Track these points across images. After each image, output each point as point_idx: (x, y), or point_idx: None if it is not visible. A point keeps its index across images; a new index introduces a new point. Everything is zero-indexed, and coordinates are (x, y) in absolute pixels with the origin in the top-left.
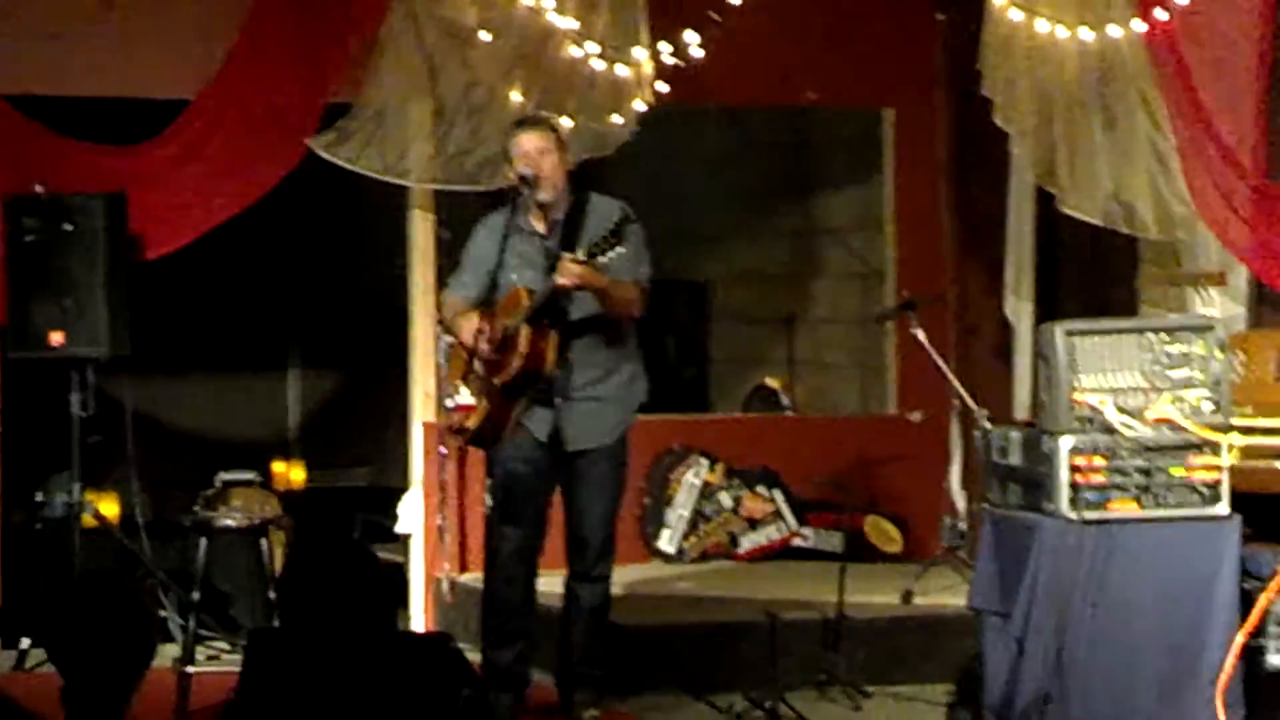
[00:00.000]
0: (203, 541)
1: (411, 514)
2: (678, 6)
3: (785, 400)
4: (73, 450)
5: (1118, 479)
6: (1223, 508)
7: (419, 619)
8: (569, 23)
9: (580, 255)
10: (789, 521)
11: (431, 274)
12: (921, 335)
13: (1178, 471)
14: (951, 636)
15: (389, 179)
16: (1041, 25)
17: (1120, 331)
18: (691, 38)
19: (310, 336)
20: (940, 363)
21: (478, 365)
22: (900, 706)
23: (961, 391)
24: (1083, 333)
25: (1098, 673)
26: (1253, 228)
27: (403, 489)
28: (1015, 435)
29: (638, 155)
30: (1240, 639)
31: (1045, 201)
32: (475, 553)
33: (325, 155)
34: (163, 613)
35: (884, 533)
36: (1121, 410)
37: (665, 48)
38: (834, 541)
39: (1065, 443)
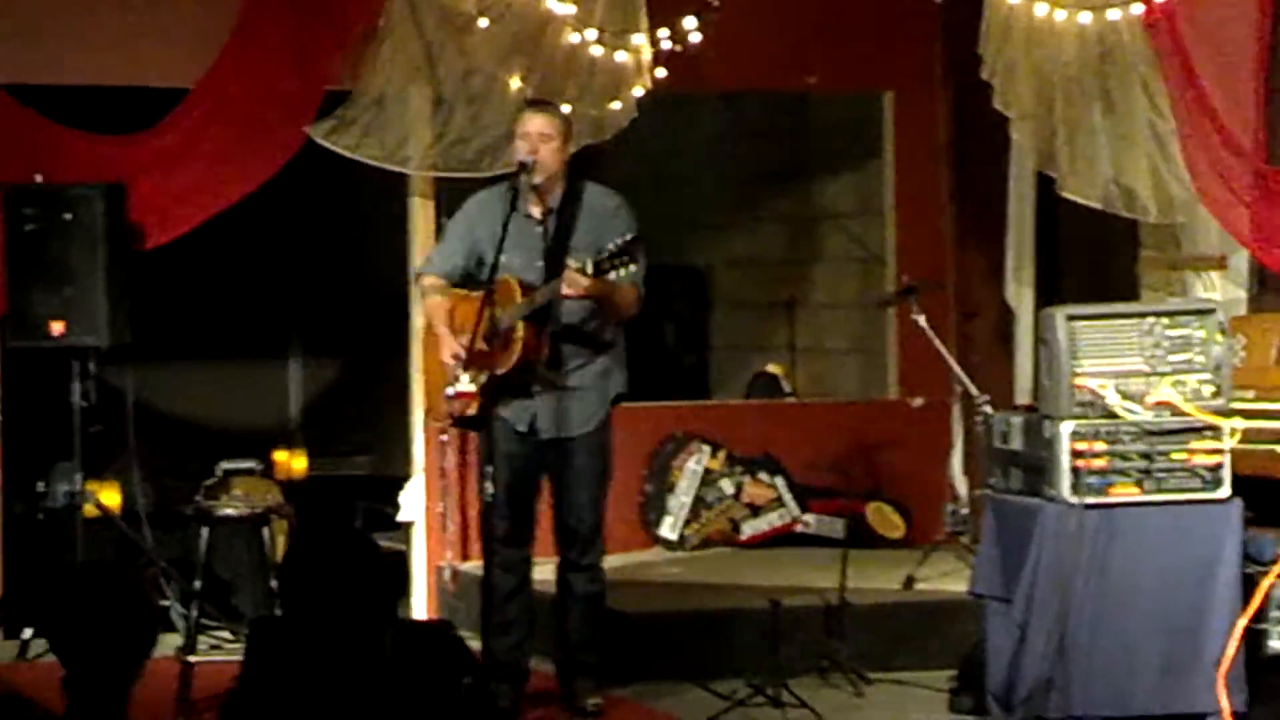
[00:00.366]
0: (204, 530)
1: (413, 502)
2: None
3: (786, 386)
4: (74, 440)
5: (1119, 463)
6: (1224, 492)
7: (421, 607)
8: (567, 9)
9: (588, 267)
10: (791, 508)
11: None
12: (922, 320)
13: (1179, 456)
14: (954, 622)
15: (389, 166)
16: (1040, 8)
17: (1121, 316)
18: (690, 23)
19: (311, 325)
20: (941, 348)
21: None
22: (902, 692)
23: (963, 376)
24: (1083, 317)
25: (1100, 657)
26: (1253, 211)
27: (405, 477)
28: (1016, 420)
29: (637, 141)
30: (1242, 623)
31: (1045, 185)
32: (477, 541)
33: (325, 143)
34: (165, 602)
35: (886, 518)
36: (1122, 395)
37: (663, 33)
38: (836, 527)
39: (1066, 427)
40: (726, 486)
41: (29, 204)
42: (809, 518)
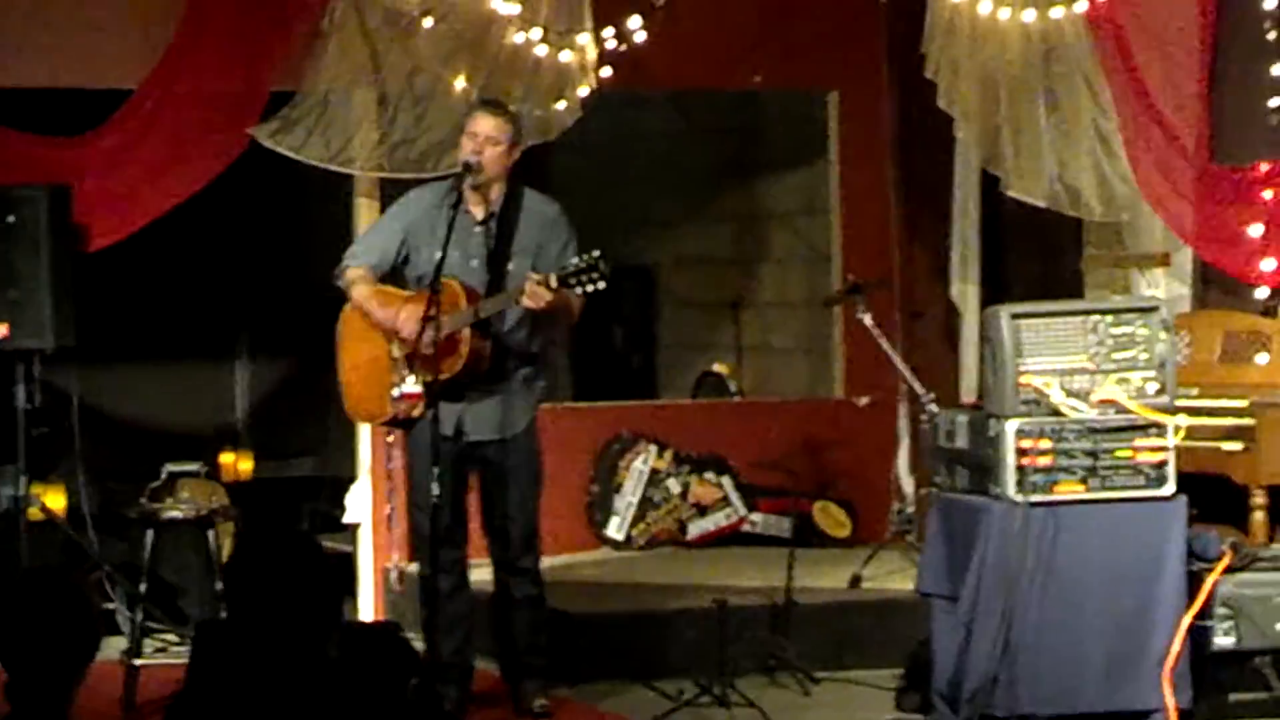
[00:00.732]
0: (149, 533)
1: (360, 504)
2: None
3: (733, 386)
4: (18, 443)
5: (1064, 461)
6: (1168, 489)
7: (368, 608)
8: (512, 8)
9: (552, 280)
10: (737, 507)
11: None
12: (868, 319)
13: (1123, 453)
14: (900, 621)
15: (333, 167)
16: (984, 7)
17: (1065, 314)
18: (635, 23)
19: (257, 327)
20: (887, 347)
21: (398, 349)
22: (849, 691)
23: (908, 375)
24: (1028, 315)
25: (1046, 655)
26: (1196, 208)
27: (351, 479)
28: (962, 419)
29: (583, 141)
30: (1187, 620)
31: (990, 184)
32: None
33: (269, 144)
34: (110, 605)
35: (833, 517)
36: (1067, 392)
37: (608, 33)
38: (783, 527)
39: (1011, 426)
40: (673, 486)
41: None
42: (756, 517)
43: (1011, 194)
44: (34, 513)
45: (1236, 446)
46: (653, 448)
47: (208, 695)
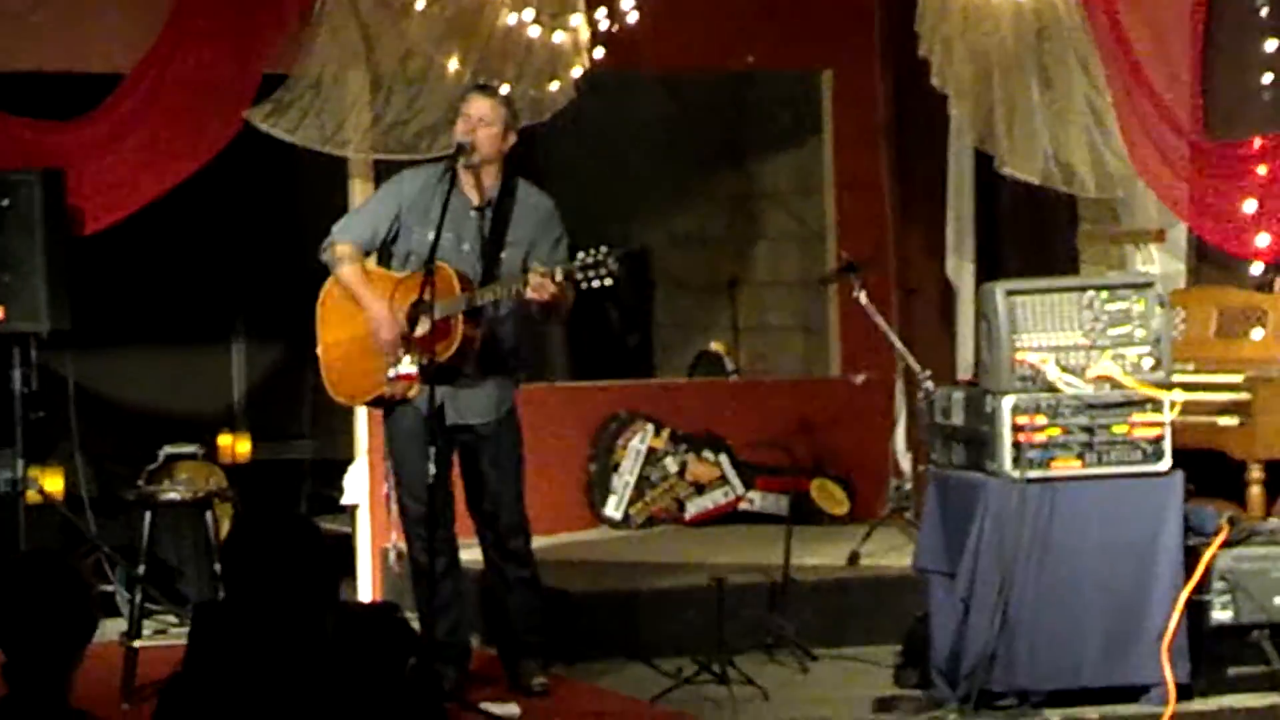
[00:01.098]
0: (147, 515)
1: (358, 485)
2: None
3: (729, 365)
4: (15, 426)
5: (1060, 437)
6: (1165, 464)
7: (367, 589)
8: None
9: (558, 274)
10: (735, 486)
11: None
12: (863, 297)
13: (1119, 429)
14: (898, 597)
15: (327, 150)
16: None
17: (1060, 290)
18: (627, 3)
19: (254, 309)
20: (883, 324)
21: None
22: (848, 668)
23: (904, 353)
24: (1023, 292)
25: (1043, 631)
26: (1190, 184)
27: (349, 460)
28: (958, 395)
29: (577, 122)
30: (1184, 595)
31: (984, 162)
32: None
33: (263, 127)
34: (109, 588)
35: (830, 495)
36: (1063, 368)
37: (601, 13)
38: (780, 505)
39: (1007, 402)
40: (670, 465)
41: None
42: (753, 495)
43: (1006, 171)
44: (32, 496)
45: (1232, 421)
46: (650, 426)
47: (205, 676)
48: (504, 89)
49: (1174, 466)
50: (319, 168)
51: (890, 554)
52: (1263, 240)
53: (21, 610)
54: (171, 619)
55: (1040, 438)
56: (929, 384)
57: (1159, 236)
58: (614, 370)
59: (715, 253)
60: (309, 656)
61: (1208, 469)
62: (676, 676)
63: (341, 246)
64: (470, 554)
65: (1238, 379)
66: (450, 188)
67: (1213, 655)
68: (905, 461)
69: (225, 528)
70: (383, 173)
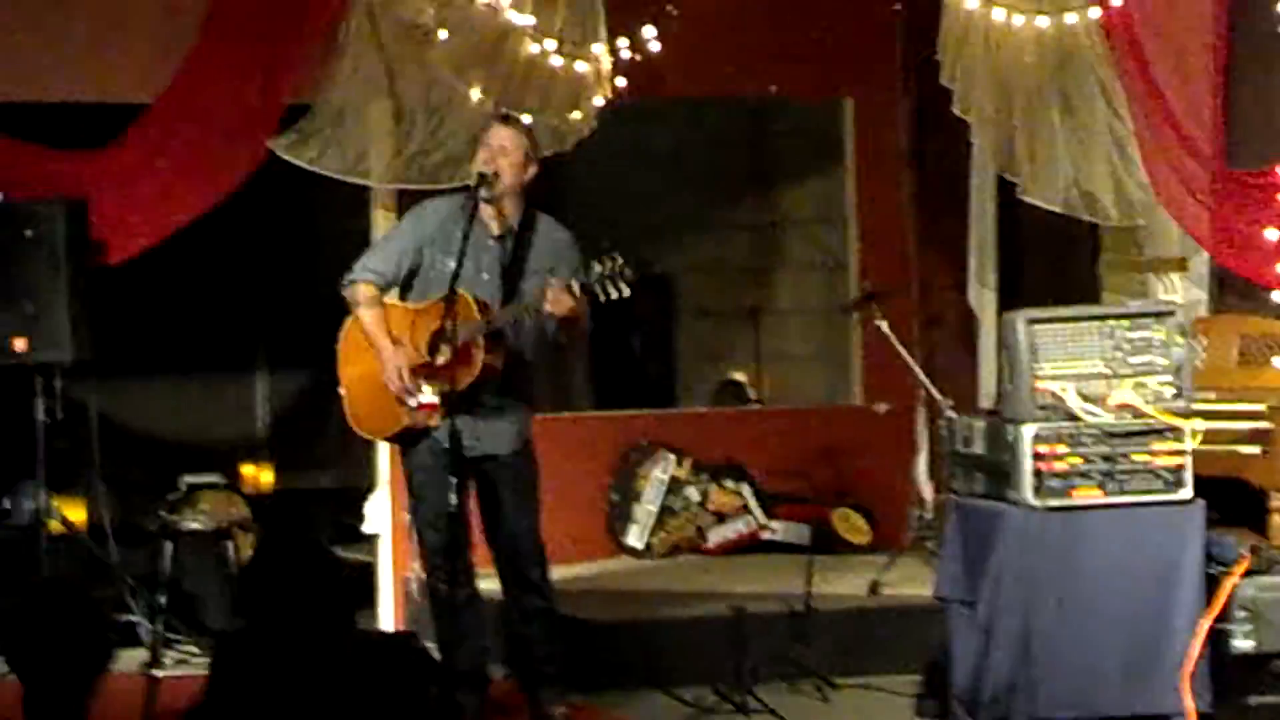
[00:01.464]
0: (168, 545)
1: (379, 514)
2: (635, 1)
3: (751, 393)
4: (38, 456)
5: (1081, 466)
6: (1186, 493)
7: (388, 618)
8: (526, 19)
9: (575, 286)
10: (756, 515)
11: None
12: (885, 326)
13: (1140, 457)
14: (919, 627)
15: (350, 179)
16: (998, 13)
17: (1082, 319)
18: (649, 32)
19: (277, 338)
20: (904, 353)
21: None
22: (869, 697)
23: (926, 382)
24: (1044, 320)
25: (1064, 660)
26: (1212, 213)
27: (371, 489)
28: (979, 424)
29: (598, 151)
30: (1206, 624)
31: (1006, 190)
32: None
33: (286, 156)
34: (131, 617)
35: (851, 524)
36: (1084, 397)
37: (623, 43)
38: (802, 534)
39: (1028, 431)
40: (692, 494)
41: None
42: (775, 524)
43: (1028, 199)
44: (54, 525)
45: (1254, 450)
46: (672, 456)
47: (226, 706)
48: (526, 118)
49: (1195, 495)
50: (342, 198)
51: (912, 584)
52: None
53: (37, 639)
54: (193, 649)
55: (1061, 466)
56: (951, 413)
57: (1180, 265)
58: (636, 399)
59: (737, 281)
60: (330, 686)
61: (1229, 498)
62: (697, 706)
63: (363, 290)
64: (489, 583)
65: (1259, 407)
66: (471, 217)
67: (1234, 684)
68: (927, 490)
69: (246, 556)
70: (406, 201)
